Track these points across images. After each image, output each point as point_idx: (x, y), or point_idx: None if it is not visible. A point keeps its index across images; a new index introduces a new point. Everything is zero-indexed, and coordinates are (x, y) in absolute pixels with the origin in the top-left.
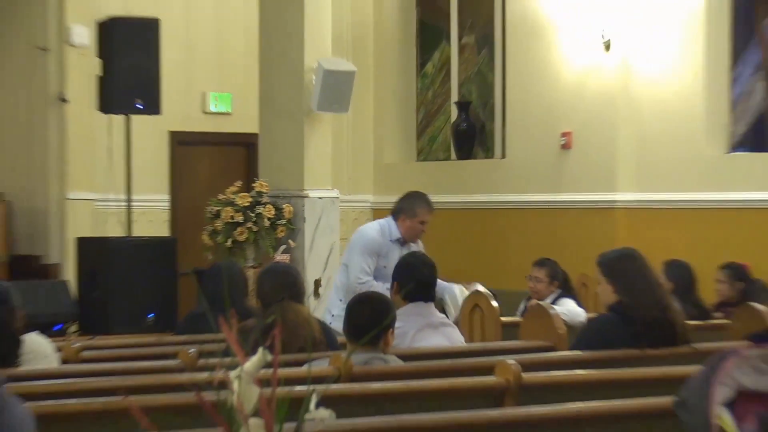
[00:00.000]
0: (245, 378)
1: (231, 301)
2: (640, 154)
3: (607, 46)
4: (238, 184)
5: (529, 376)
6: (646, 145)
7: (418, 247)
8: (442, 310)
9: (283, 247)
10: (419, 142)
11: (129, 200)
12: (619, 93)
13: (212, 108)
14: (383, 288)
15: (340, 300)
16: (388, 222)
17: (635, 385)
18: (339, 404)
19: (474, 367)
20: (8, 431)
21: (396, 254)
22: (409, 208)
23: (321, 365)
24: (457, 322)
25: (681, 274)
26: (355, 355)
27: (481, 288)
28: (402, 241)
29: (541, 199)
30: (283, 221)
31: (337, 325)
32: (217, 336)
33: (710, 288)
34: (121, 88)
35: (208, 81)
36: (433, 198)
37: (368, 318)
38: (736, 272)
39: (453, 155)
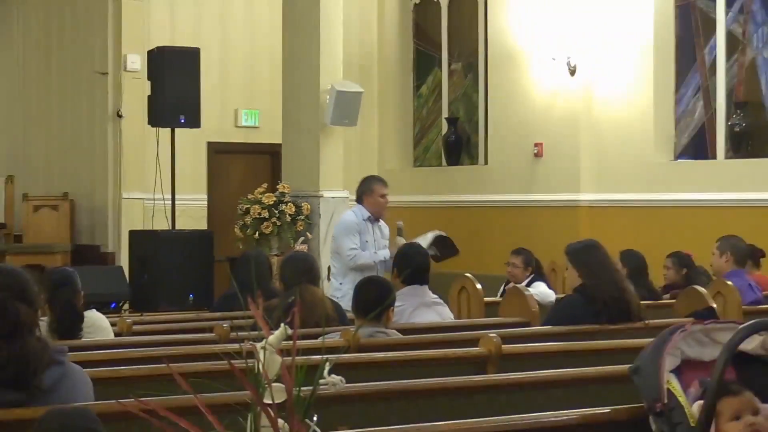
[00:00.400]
0: (269, 349)
1: (258, 283)
2: (600, 161)
3: (573, 72)
4: (264, 186)
5: (508, 347)
6: (605, 153)
7: (385, 226)
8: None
9: (302, 238)
10: (416, 151)
11: (173, 199)
12: (583, 109)
13: (243, 122)
14: (369, 256)
15: (340, 284)
16: (357, 207)
17: (597, 355)
18: (348, 371)
19: (461, 339)
20: (70, 392)
21: (371, 229)
22: (367, 187)
23: (333, 338)
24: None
25: (635, 262)
26: (362, 329)
27: (437, 234)
28: (372, 219)
29: (517, 198)
30: (302, 217)
31: (343, 304)
32: (246, 313)
33: (659, 273)
34: (167, 106)
35: (239, 100)
36: (427, 198)
37: (374, 297)
38: (681, 260)
39: (444, 162)
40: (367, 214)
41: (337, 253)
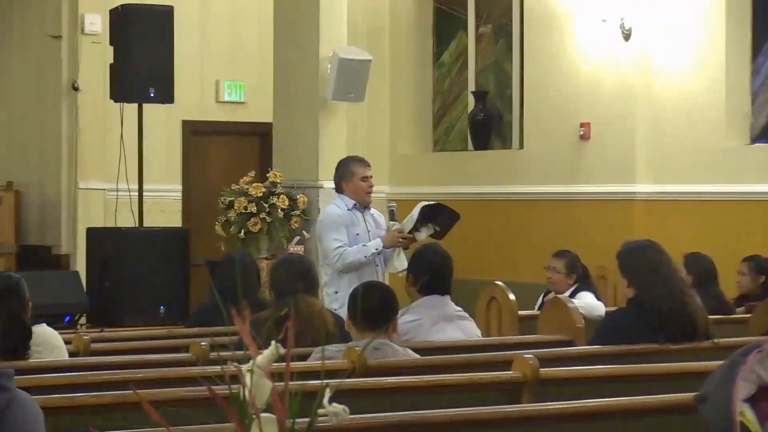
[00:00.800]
0: (257, 371)
1: (243, 292)
2: (659, 146)
3: (627, 37)
4: (252, 174)
5: (546, 371)
6: (665, 136)
7: (379, 215)
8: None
9: (297, 238)
10: (435, 133)
11: (141, 190)
12: (638, 83)
13: (226, 97)
14: (357, 250)
15: (335, 292)
16: (338, 198)
17: (654, 381)
18: (353, 399)
19: (490, 361)
20: (17, 424)
21: (361, 220)
22: (346, 171)
23: (335, 358)
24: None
25: (701, 267)
26: (363, 342)
27: (422, 206)
28: (360, 207)
29: (558, 190)
30: (297, 212)
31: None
32: (229, 329)
33: (731, 281)
34: (133, 76)
35: (221, 70)
36: (450, 189)
37: (378, 303)
38: (758, 265)
39: (470, 146)
40: (351, 202)
41: (325, 255)
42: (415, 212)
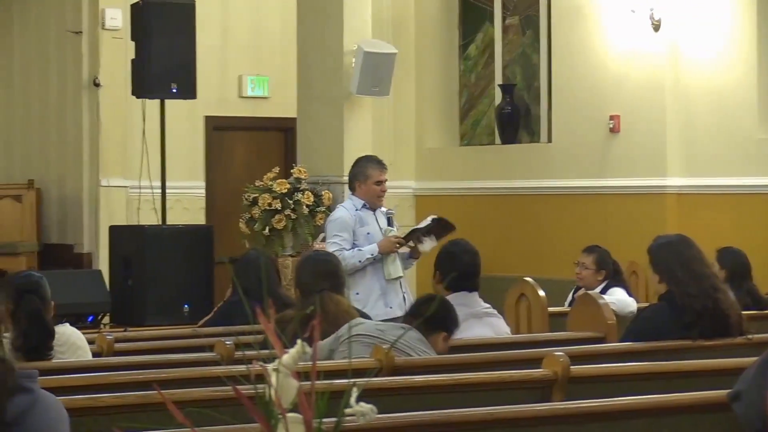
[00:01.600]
0: (283, 371)
1: (263, 291)
2: (691, 138)
3: (656, 28)
4: (276, 170)
5: (577, 369)
6: (696, 128)
7: (389, 213)
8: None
9: (323, 235)
10: (462, 126)
11: (163, 187)
12: (669, 74)
13: (249, 92)
14: (354, 255)
15: (357, 294)
16: (348, 200)
17: (687, 378)
18: (381, 398)
19: (520, 359)
20: (41, 425)
21: (372, 219)
22: (361, 172)
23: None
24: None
25: (735, 262)
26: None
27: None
28: (370, 208)
29: (588, 184)
30: (323, 208)
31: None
32: (254, 328)
33: (766, 276)
34: (155, 72)
35: (244, 64)
36: (477, 184)
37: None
38: None
39: (497, 139)
40: (360, 203)
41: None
42: (424, 223)
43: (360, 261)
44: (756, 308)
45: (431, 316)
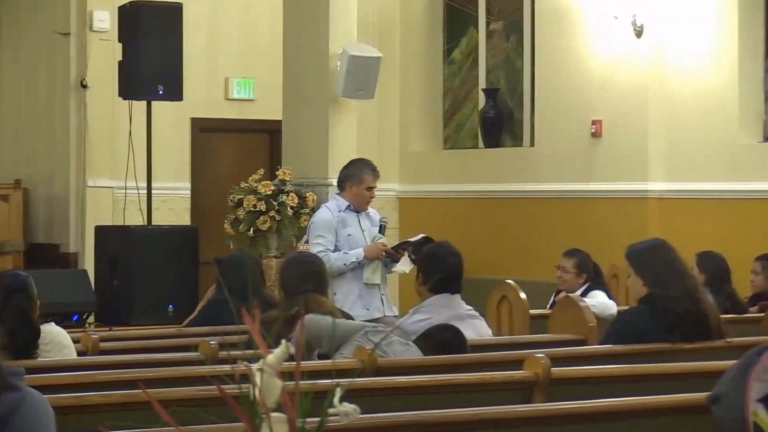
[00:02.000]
0: (268, 371)
1: (248, 291)
2: (672, 143)
3: (639, 33)
4: (261, 172)
5: (558, 371)
6: (679, 133)
7: (375, 215)
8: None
9: (307, 236)
10: (446, 130)
11: (150, 188)
12: (651, 80)
13: (235, 94)
14: (339, 257)
15: (335, 294)
16: (333, 200)
17: (667, 380)
18: (364, 398)
19: (502, 360)
20: (28, 423)
21: (354, 221)
22: (355, 174)
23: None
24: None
25: (714, 266)
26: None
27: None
28: (355, 210)
29: (570, 188)
30: (307, 210)
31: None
32: (239, 328)
33: (745, 280)
34: (142, 73)
35: (231, 67)
36: (461, 187)
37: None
38: None
39: (480, 143)
40: (345, 204)
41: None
42: (415, 237)
43: (345, 264)
44: (735, 312)
45: (443, 344)
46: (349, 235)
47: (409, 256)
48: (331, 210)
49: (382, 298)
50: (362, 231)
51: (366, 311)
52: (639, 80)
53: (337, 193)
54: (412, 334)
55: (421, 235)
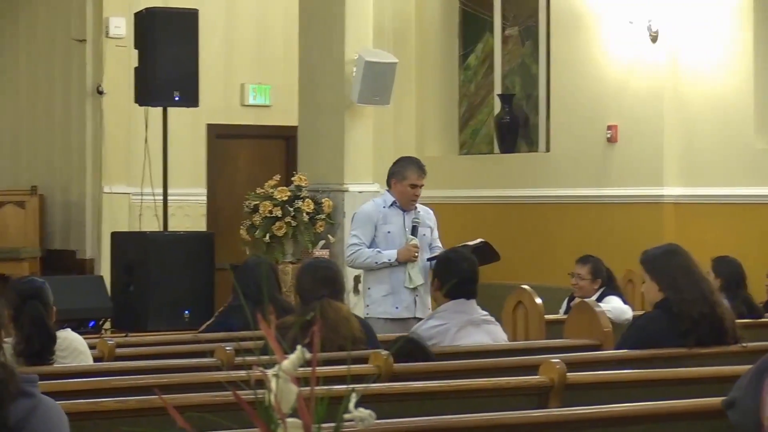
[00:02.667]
0: (283, 376)
1: (263, 297)
2: (688, 148)
3: (654, 39)
4: (277, 177)
5: (574, 376)
6: (695, 138)
7: (427, 215)
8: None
9: (323, 242)
10: (462, 135)
11: (165, 194)
12: (667, 85)
13: (251, 100)
14: (370, 254)
15: (369, 288)
16: (385, 193)
17: (683, 385)
18: (380, 404)
19: (517, 365)
20: (42, 430)
21: (398, 219)
22: (399, 171)
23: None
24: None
25: (730, 271)
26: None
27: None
28: (401, 207)
29: (586, 193)
30: (323, 216)
31: (370, 313)
32: (255, 333)
33: (760, 285)
34: (158, 80)
35: (246, 73)
36: (476, 192)
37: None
38: None
39: (496, 149)
40: (392, 200)
41: None
42: (473, 242)
43: (376, 263)
44: (751, 317)
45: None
46: (389, 232)
47: None
48: (376, 204)
49: (415, 299)
50: (405, 230)
51: (395, 309)
52: (654, 85)
53: (387, 189)
54: (427, 340)
55: (480, 240)
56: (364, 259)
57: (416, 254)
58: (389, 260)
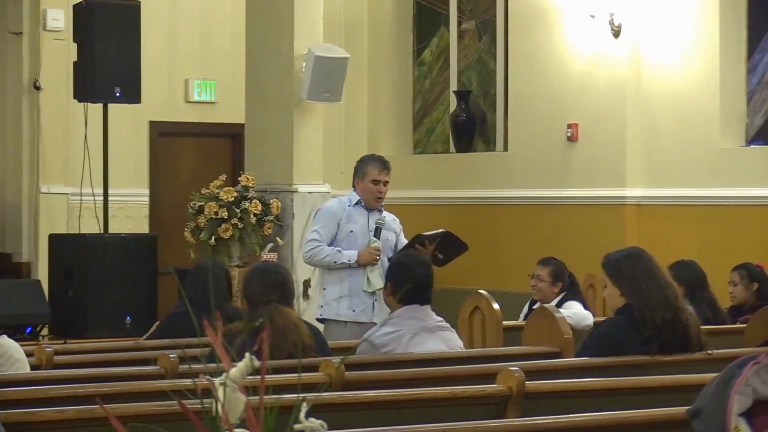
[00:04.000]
0: (231, 385)
1: (215, 302)
2: (651, 147)
3: (617, 33)
4: (223, 177)
5: (533, 384)
6: (658, 137)
7: (393, 221)
8: None
9: (271, 245)
10: (416, 134)
11: (106, 194)
12: (629, 82)
13: (195, 97)
14: (329, 253)
15: (324, 289)
16: (351, 192)
17: (646, 394)
18: (331, 413)
19: (474, 374)
20: None
21: (361, 219)
22: (360, 168)
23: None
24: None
25: (690, 274)
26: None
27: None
28: (366, 206)
29: (545, 194)
30: (271, 218)
31: (324, 314)
32: (201, 340)
33: (725, 290)
34: (98, 75)
35: (191, 68)
36: (431, 193)
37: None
38: (751, 273)
39: (452, 148)
40: (357, 199)
41: None
42: (432, 233)
43: (335, 262)
44: (716, 320)
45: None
46: (351, 231)
47: (434, 253)
48: (341, 201)
49: (374, 303)
50: (369, 231)
51: (351, 312)
52: (617, 82)
53: (353, 189)
54: (380, 347)
55: (441, 230)
56: (323, 256)
57: (378, 257)
58: (349, 261)
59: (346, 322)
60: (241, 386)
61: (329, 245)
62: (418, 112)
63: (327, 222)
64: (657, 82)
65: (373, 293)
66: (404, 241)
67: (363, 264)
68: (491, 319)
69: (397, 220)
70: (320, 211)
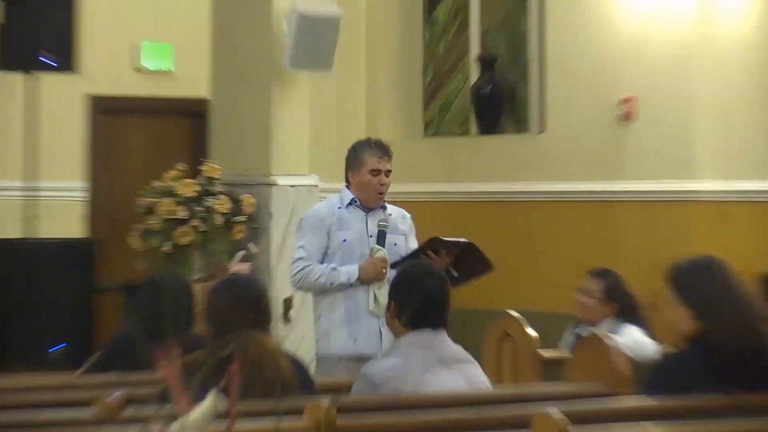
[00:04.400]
0: None
1: (172, 327)
2: (726, 130)
3: None
4: (181, 167)
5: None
6: (735, 115)
7: (402, 219)
8: None
9: (242, 253)
10: (427, 112)
11: (33, 188)
12: (698, 45)
13: (146, 64)
14: (321, 272)
15: (320, 316)
16: (341, 192)
17: None
18: None
19: (503, 419)
20: None
21: (357, 222)
22: (354, 157)
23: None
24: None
25: None
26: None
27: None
28: (362, 205)
29: (592, 188)
30: (242, 218)
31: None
32: (143, 375)
33: None
34: (25, 39)
35: (142, 29)
36: (447, 186)
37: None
38: None
39: (473, 129)
40: (350, 198)
41: None
42: (453, 239)
43: (332, 283)
44: None
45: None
46: (345, 240)
47: (447, 269)
48: (331, 204)
49: (380, 330)
50: (368, 237)
51: (351, 344)
52: (681, 44)
53: (345, 186)
54: (381, 385)
55: (463, 239)
56: (316, 278)
57: (385, 270)
58: (349, 280)
59: (348, 357)
60: None
61: (322, 262)
62: (430, 84)
63: (315, 233)
64: (734, 44)
65: (378, 316)
66: (416, 245)
67: (366, 281)
68: (525, 348)
69: (407, 216)
70: (305, 221)
